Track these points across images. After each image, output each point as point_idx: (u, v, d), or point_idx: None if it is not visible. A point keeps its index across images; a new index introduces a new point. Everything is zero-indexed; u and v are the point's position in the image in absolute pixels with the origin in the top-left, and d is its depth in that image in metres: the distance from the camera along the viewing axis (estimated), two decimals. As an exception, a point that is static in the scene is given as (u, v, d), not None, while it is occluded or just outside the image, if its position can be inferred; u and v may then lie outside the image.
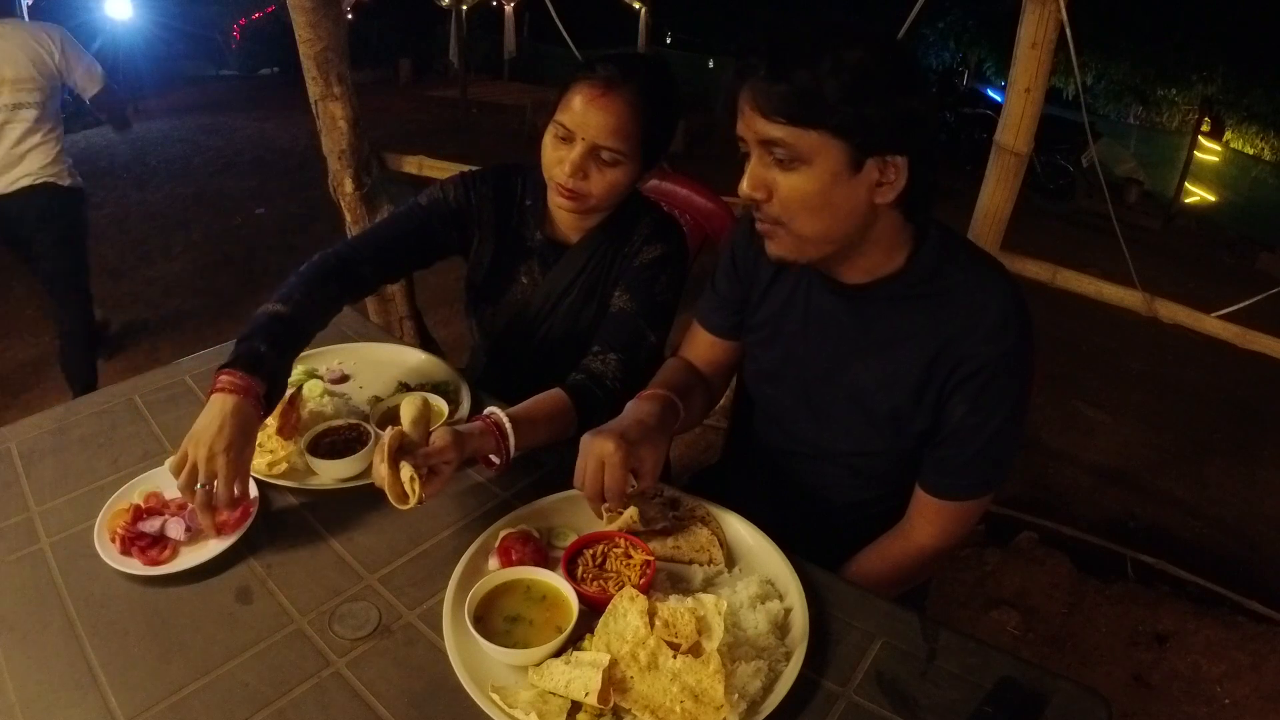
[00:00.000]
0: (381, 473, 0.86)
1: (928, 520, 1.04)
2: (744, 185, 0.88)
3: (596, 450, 0.90)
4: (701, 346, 1.20)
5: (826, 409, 1.06)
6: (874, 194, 0.86)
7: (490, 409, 1.00)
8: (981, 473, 1.00)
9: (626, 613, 0.77)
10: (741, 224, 1.15)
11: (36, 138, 2.41)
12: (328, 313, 1.14)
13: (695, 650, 0.75)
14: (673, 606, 0.78)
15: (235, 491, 0.91)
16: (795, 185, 0.85)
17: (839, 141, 0.82)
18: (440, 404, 1.16)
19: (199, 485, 0.89)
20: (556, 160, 1.14)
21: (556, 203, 1.20)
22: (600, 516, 0.94)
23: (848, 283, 0.98)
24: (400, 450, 0.88)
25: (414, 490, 0.85)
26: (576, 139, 1.12)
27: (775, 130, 0.83)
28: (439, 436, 0.91)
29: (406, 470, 0.85)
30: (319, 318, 1.12)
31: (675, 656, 0.73)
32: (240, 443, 0.91)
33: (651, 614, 0.77)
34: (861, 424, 1.03)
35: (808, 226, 0.88)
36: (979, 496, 1.02)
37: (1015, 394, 0.95)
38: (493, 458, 0.97)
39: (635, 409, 1.00)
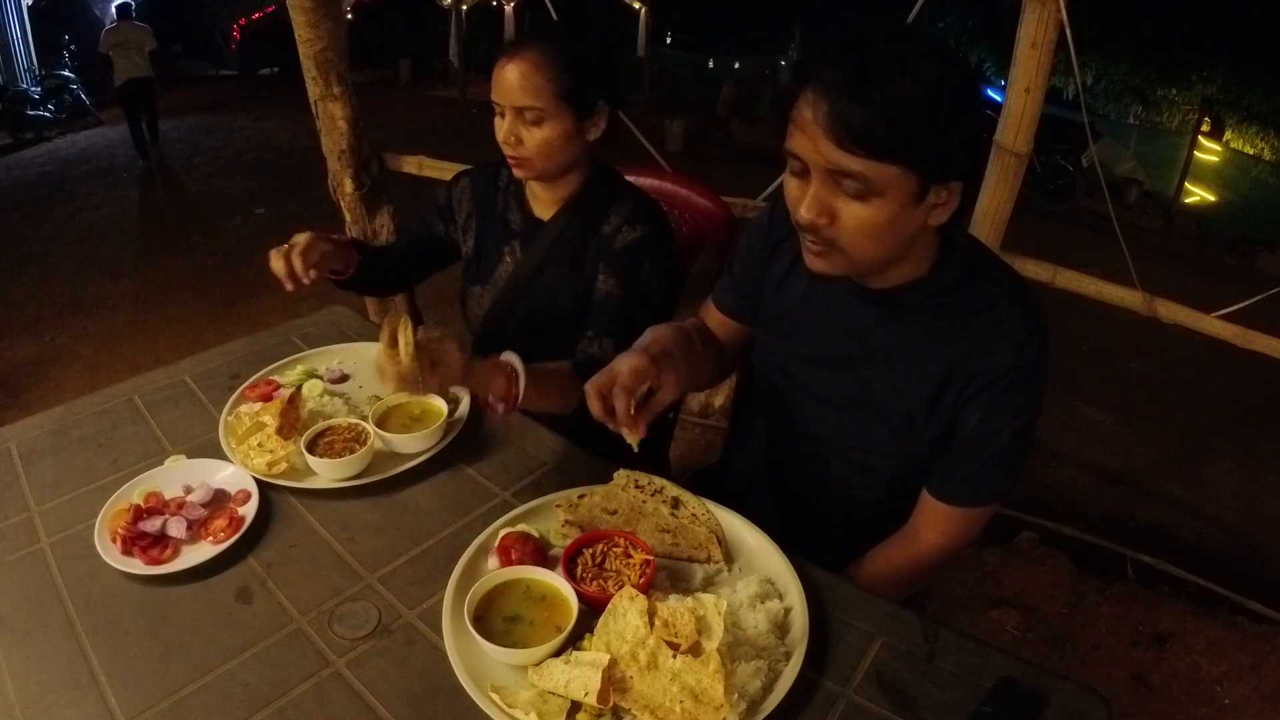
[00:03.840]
0: (381, 355, 0.89)
1: (934, 525, 1.03)
2: (804, 211, 0.83)
3: (619, 362, 0.88)
4: (711, 322, 1.23)
5: (838, 405, 1.06)
6: (929, 216, 0.84)
7: (505, 353, 1.02)
8: (992, 481, 1.00)
9: (626, 612, 0.77)
10: (764, 214, 1.15)
11: (142, 59, 6.79)
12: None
13: (695, 650, 0.75)
14: (672, 606, 0.78)
15: (301, 262, 1.13)
16: (861, 216, 0.82)
17: (911, 173, 0.79)
18: (440, 404, 1.16)
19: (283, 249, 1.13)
20: (499, 135, 1.22)
21: (515, 175, 1.28)
22: (599, 414, 0.87)
23: (873, 288, 0.97)
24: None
25: (407, 348, 0.86)
26: (505, 109, 1.20)
27: (852, 163, 0.78)
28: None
29: (405, 334, 0.87)
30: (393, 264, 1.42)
31: (675, 656, 0.73)
32: (323, 235, 1.19)
33: (651, 614, 0.77)
34: (872, 422, 1.03)
35: (866, 253, 0.86)
36: (987, 504, 1.02)
37: (1030, 406, 0.95)
38: (495, 402, 1.00)
39: (652, 331, 0.97)
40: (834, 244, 0.85)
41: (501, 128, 1.21)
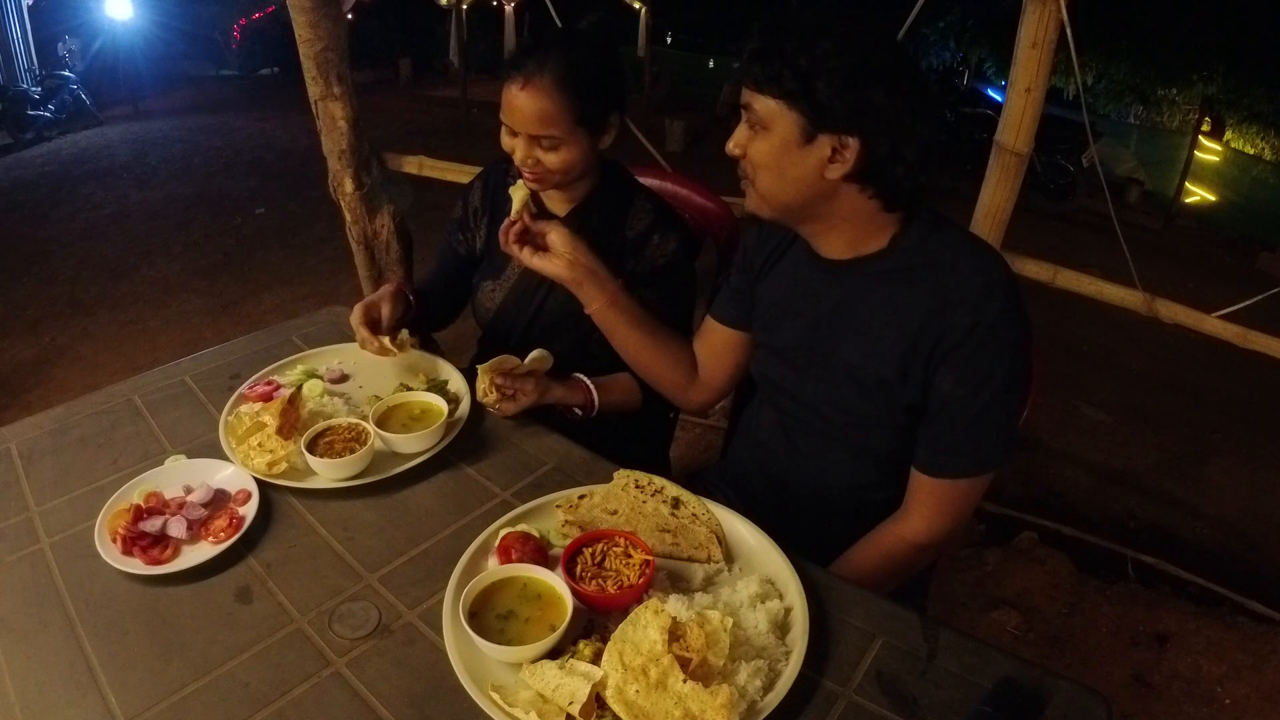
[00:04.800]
0: (483, 382, 1.14)
1: (921, 502, 1.05)
2: (727, 145, 1.00)
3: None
4: (706, 331, 1.28)
5: (822, 381, 1.09)
6: (825, 168, 0.94)
7: (577, 374, 1.27)
8: (974, 450, 1.01)
9: (648, 625, 0.75)
10: (752, 223, 1.21)
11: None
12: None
13: (705, 675, 0.74)
14: (694, 628, 0.76)
15: (387, 316, 1.25)
16: (758, 147, 0.96)
17: (793, 113, 0.92)
18: (439, 404, 1.16)
19: (361, 322, 1.23)
20: (510, 149, 1.24)
21: (529, 186, 1.28)
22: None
23: (830, 258, 1.05)
24: (498, 367, 1.15)
25: (489, 394, 1.13)
26: (518, 132, 1.20)
27: (746, 95, 0.96)
28: (528, 370, 1.18)
29: (486, 378, 1.13)
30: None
31: (685, 680, 0.71)
32: (388, 293, 1.28)
33: (673, 633, 0.75)
34: (853, 392, 1.06)
35: (764, 184, 0.98)
36: (972, 476, 1.02)
37: (1005, 367, 0.97)
38: (577, 410, 1.26)
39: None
40: (749, 177, 1.00)
41: (515, 147, 1.21)
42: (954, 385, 0.97)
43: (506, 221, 1.18)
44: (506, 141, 1.23)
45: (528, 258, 1.15)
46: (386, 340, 1.24)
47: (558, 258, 1.14)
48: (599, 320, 1.19)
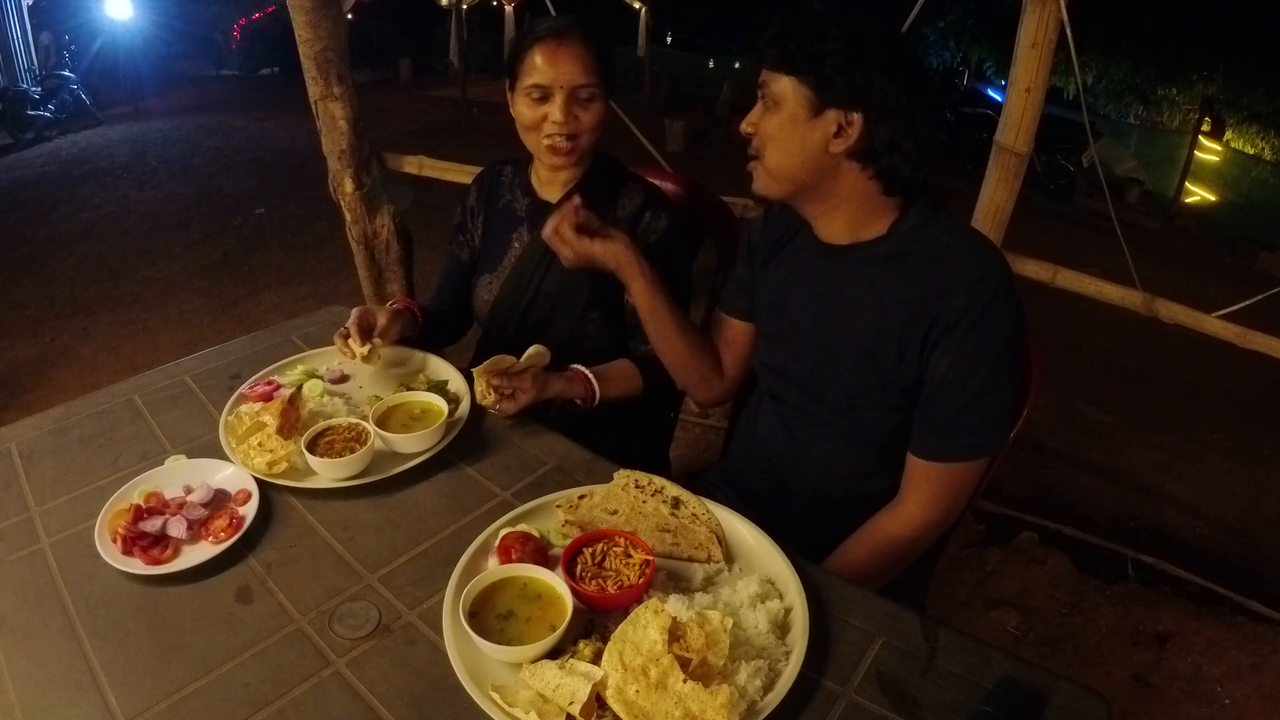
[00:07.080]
0: (480, 384, 1.14)
1: (916, 486, 1.06)
2: (741, 124, 1.06)
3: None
4: (716, 325, 1.33)
5: (820, 361, 1.11)
6: (829, 143, 0.99)
7: (575, 365, 1.27)
8: (968, 433, 1.02)
9: (648, 625, 0.75)
10: (758, 217, 1.26)
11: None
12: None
13: (705, 675, 0.74)
14: (694, 628, 0.76)
15: (370, 324, 1.23)
16: (769, 120, 1.02)
17: (803, 88, 0.98)
18: (440, 404, 1.16)
19: (354, 322, 1.22)
20: (540, 117, 1.24)
21: (551, 162, 1.29)
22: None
23: (831, 242, 1.09)
24: (493, 367, 1.14)
25: (487, 395, 1.13)
26: (554, 90, 1.22)
27: (763, 75, 1.02)
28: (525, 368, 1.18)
29: (483, 380, 1.13)
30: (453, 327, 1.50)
31: (685, 680, 0.71)
32: (391, 309, 1.27)
33: (673, 633, 0.75)
34: (850, 372, 1.08)
35: (772, 158, 1.03)
36: (967, 459, 1.03)
37: (999, 350, 0.99)
38: (578, 401, 1.26)
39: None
40: (759, 154, 1.04)
41: (546, 110, 1.23)
42: (949, 367, 0.99)
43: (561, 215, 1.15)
44: (533, 113, 1.24)
45: (586, 245, 1.15)
46: (355, 344, 1.22)
47: (615, 239, 1.16)
48: (645, 298, 1.19)
